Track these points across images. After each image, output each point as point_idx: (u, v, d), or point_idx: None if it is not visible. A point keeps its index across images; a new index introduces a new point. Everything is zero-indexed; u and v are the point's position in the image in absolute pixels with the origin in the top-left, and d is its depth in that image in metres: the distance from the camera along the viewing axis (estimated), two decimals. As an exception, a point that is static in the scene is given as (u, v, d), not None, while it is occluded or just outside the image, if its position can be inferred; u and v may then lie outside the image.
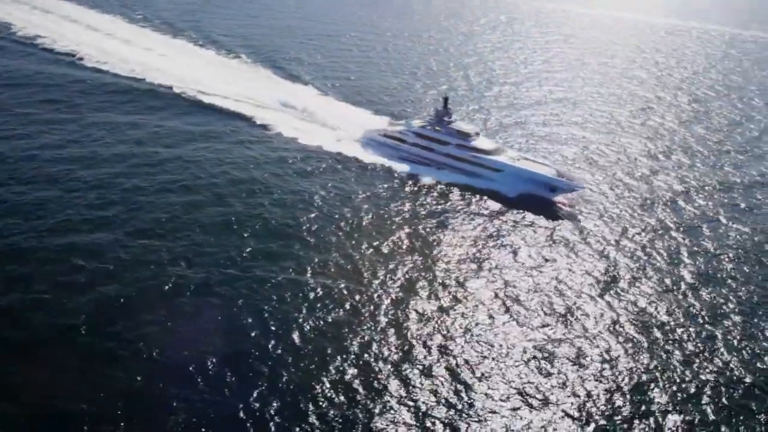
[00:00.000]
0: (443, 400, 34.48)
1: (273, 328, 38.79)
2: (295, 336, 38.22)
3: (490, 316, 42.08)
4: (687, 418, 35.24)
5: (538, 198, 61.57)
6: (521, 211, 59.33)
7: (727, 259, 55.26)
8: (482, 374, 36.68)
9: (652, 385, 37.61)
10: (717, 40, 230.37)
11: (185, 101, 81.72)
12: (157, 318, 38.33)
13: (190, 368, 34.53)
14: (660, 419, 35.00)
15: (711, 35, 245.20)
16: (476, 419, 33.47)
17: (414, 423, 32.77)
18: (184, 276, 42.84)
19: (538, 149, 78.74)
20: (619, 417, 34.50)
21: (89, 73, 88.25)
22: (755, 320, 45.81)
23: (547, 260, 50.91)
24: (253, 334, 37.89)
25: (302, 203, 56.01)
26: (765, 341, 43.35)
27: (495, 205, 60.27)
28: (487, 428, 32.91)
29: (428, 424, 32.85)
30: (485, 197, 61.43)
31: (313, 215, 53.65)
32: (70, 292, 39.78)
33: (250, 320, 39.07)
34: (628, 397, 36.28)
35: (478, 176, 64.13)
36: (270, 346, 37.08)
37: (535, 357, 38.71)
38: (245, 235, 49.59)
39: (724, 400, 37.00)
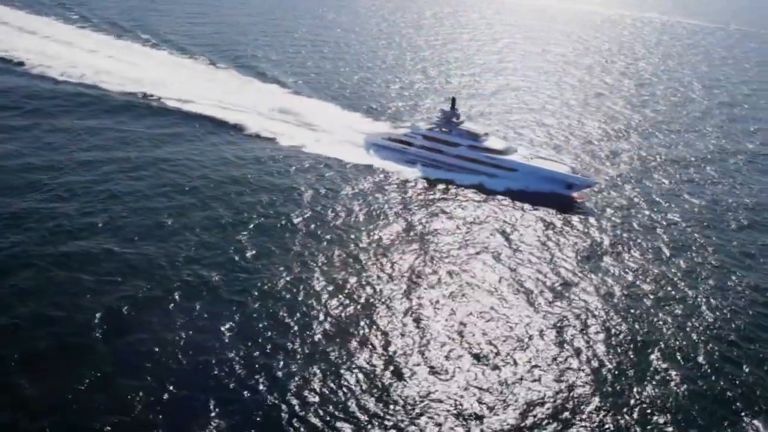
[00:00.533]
0: (476, 385, 36.20)
1: (289, 326, 39.29)
2: (315, 333, 38.87)
3: (520, 318, 43.95)
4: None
5: (554, 195, 62.30)
6: (537, 208, 59.73)
7: (695, 229, 60.02)
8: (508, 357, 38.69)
9: (653, 346, 40.88)
10: (649, 27, 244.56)
11: (143, 104, 79.38)
12: (167, 323, 38.07)
13: (206, 373, 34.59)
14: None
15: (643, 22, 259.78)
16: (506, 402, 35.42)
17: (450, 410, 34.30)
18: (188, 280, 42.56)
19: (511, 138, 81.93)
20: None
21: (33, 79, 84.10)
22: (728, 283, 50.28)
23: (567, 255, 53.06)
24: (267, 335, 38.26)
25: (313, 210, 55.32)
26: (737, 298, 47.75)
27: (511, 205, 60.33)
28: (519, 406, 34.90)
29: (465, 406, 34.48)
30: (501, 197, 61.51)
31: (331, 224, 52.97)
32: (74, 303, 38.80)
33: (263, 322, 39.37)
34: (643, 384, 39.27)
35: (492, 176, 64.12)
36: (286, 346, 37.51)
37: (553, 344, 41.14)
38: (244, 236, 49.55)
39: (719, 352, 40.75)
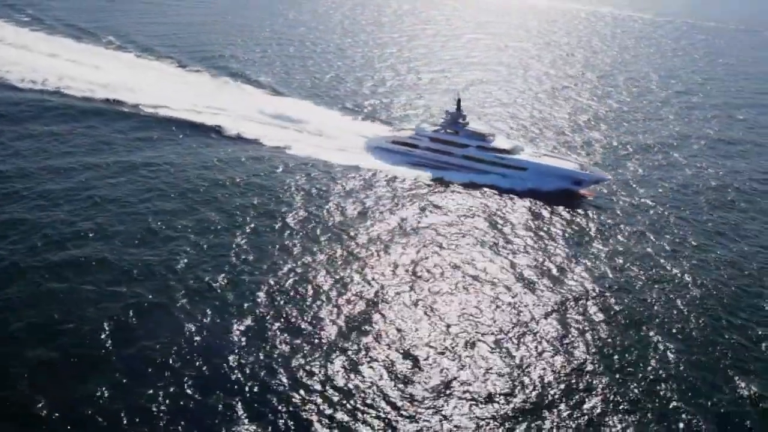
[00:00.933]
0: (490, 370, 37.68)
1: (300, 325, 39.63)
2: (327, 330, 39.36)
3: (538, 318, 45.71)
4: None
5: (564, 192, 63.72)
6: (547, 206, 60.84)
7: (671, 212, 63.60)
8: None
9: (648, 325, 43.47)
10: (602, 21, 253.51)
11: (112, 110, 76.65)
12: (176, 329, 37.86)
13: (221, 377, 34.67)
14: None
15: (596, 17, 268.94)
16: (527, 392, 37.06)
17: (465, 402, 35.63)
18: (191, 285, 42.22)
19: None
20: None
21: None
22: (708, 260, 53.71)
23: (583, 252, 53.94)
24: (279, 335, 38.48)
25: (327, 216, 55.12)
26: (719, 273, 51.12)
27: (522, 203, 61.19)
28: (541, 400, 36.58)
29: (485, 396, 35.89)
30: (512, 196, 62.34)
31: (332, 224, 52.98)
32: (78, 313, 38.11)
33: (273, 323, 39.50)
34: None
35: (502, 176, 64.88)
36: (299, 345, 37.87)
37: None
38: (241, 238, 49.56)
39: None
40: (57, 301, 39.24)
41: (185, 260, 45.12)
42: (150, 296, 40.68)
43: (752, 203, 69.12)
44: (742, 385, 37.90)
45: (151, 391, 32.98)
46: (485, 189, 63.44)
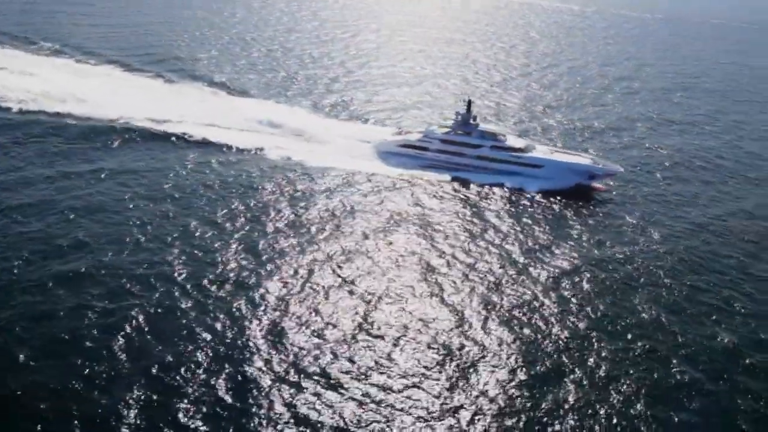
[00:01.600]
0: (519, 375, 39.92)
1: (311, 329, 40.25)
2: (343, 340, 40.13)
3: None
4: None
5: (578, 186, 65.90)
6: (565, 200, 63.21)
7: (628, 190, 68.69)
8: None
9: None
10: (533, 13, 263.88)
11: (54, 122, 71.65)
12: (183, 335, 37.77)
13: (241, 385, 35.03)
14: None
15: (530, 8, 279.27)
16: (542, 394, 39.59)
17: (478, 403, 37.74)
18: (195, 295, 41.95)
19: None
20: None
21: None
22: (672, 229, 58.79)
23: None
24: (293, 341, 38.99)
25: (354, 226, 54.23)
26: (683, 241, 56.04)
27: (541, 199, 63.08)
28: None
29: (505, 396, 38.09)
30: (530, 193, 64.16)
31: (373, 236, 52.59)
32: (83, 327, 37.23)
33: (288, 328, 39.87)
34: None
35: (518, 174, 66.24)
36: (311, 350, 38.49)
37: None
38: (233, 245, 49.45)
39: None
40: (57, 319, 38.05)
41: (182, 269, 44.60)
42: (156, 305, 40.14)
43: (697, 174, 76.02)
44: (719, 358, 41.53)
45: (166, 399, 32.80)
46: (503, 188, 64.54)
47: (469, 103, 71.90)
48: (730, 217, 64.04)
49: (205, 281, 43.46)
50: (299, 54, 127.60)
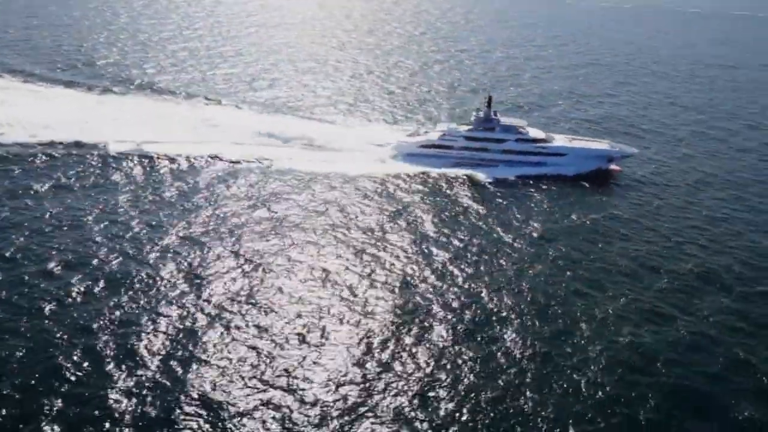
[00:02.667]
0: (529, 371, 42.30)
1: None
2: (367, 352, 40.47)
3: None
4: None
5: (598, 171, 70.10)
6: (592, 185, 67.15)
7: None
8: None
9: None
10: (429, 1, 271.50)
11: None
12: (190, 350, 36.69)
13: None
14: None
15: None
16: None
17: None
18: (193, 305, 40.67)
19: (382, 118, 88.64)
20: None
21: None
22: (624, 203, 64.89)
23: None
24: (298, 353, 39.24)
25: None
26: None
27: (569, 186, 66.75)
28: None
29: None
30: (559, 181, 67.45)
31: (419, 237, 52.84)
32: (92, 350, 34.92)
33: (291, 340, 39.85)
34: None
35: (543, 164, 69.64)
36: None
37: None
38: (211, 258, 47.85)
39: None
40: (62, 342, 35.25)
41: (188, 282, 42.73)
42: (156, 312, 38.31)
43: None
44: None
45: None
46: (536, 181, 67.09)
47: (490, 98, 73.71)
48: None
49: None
50: (192, 48, 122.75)
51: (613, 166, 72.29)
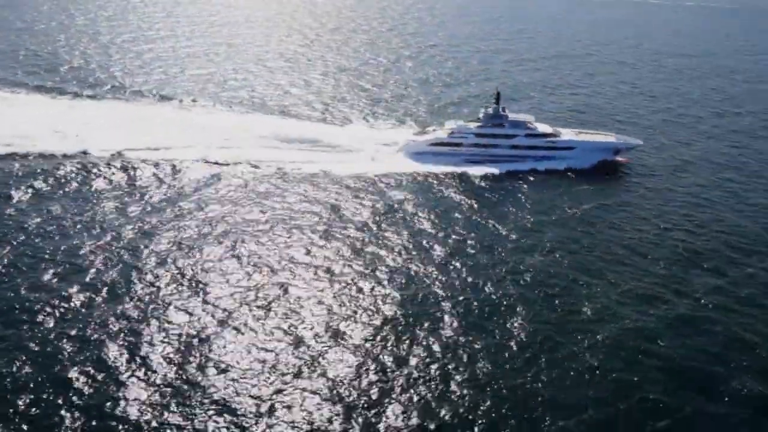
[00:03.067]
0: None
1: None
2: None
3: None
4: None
5: (605, 163, 72.34)
6: (601, 177, 69.80)
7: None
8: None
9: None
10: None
11: None
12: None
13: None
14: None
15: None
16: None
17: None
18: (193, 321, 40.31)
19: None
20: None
21: None
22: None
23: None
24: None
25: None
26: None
27: (580, 178, 68.88)
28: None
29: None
30: (565, 174, 69.60)
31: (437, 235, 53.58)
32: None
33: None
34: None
35: (552, 158, 71.14)
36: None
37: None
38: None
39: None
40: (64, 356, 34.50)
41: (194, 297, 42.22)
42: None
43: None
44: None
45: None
46: (547, 176, 69.01)
47: (498, 94, 74.70)
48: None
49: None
50: (137, 50, 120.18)
51: (619, 158, 74.32)
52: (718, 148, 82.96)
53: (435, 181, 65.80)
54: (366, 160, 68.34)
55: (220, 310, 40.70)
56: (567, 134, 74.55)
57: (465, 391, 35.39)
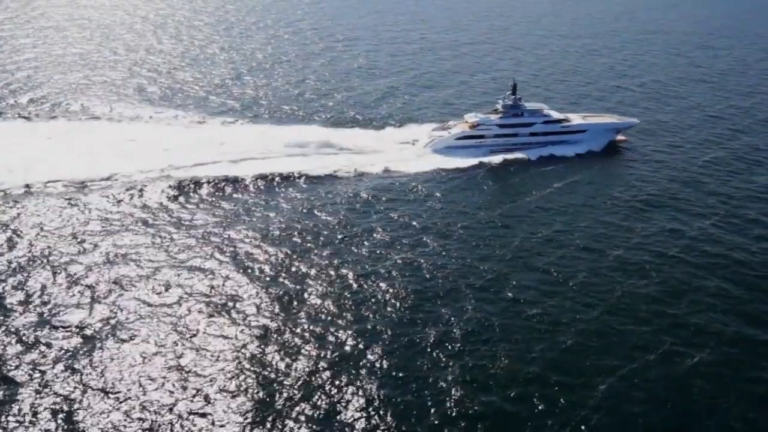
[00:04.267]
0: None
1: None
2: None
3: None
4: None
5: (610, 143, 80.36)
6: (607, 155, 77.43)
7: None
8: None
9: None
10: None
11: None
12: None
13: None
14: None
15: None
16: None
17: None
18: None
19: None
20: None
21: None
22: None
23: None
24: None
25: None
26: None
27: (592, 157, 76.53)
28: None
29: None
30: (584, 156, 76.63)
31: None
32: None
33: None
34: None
35: (566, 143, 78.36)
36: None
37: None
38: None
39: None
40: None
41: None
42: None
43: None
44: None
45: None
46: (559, 160, 75.21)
47: (515, 85, 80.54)
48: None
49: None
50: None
51: (619, 137, 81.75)
52: (698, 120, 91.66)
53: (480, 171, 71.14)
54: (398, 160, 71.57)
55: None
56: (576, 119, 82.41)
57: (504, 359, 39.28)
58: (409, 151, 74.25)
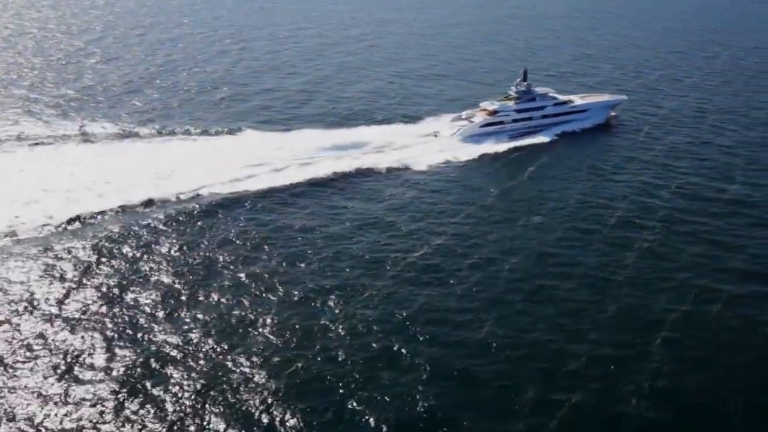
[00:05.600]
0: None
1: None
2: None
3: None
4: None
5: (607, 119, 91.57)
6: (610, 131, 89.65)
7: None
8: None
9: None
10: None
11: None
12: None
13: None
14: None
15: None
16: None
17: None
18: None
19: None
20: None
21: None
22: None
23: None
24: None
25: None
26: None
27: (602, 133, 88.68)
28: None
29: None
30: (594, 131, 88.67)
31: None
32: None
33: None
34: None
35: (572, 122, 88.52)
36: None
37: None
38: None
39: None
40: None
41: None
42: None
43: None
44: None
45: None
46: (571, 137, 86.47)
47: (525, 71, 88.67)
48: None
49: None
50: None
51: (614, 113, 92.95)
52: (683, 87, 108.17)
53: (516, 154, 79.95)
54: (432, 152, 77.27)
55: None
56: (577, 99, 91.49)
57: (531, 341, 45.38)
58: (438, 143, 80.00)
